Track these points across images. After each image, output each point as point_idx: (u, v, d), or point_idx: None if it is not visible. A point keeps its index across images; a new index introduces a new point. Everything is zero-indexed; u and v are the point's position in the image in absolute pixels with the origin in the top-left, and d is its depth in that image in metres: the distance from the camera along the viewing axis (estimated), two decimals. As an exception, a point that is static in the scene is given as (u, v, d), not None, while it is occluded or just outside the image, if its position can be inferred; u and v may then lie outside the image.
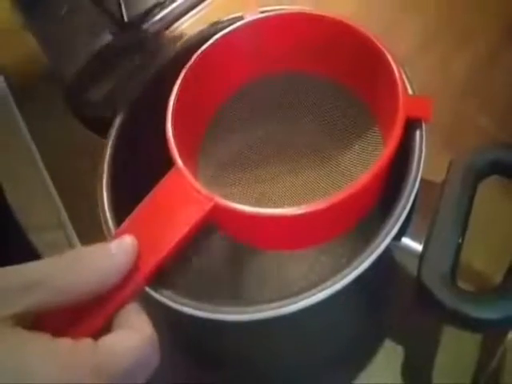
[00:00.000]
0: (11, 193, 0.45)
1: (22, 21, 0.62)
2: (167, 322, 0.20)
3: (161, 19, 0.56)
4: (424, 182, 0.26)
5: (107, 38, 0.54)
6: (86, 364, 0.17)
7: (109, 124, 0.31)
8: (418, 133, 0.27)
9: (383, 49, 0.28)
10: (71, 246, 0.40)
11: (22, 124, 0.50)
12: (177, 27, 0.57)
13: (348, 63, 0.31)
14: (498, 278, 0.25)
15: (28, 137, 0.49)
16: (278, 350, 0.31)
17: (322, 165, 0.31)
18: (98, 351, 0.18)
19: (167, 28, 0.56)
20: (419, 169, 0.25)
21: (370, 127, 0.30)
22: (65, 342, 0.18)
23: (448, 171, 0.27)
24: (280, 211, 0.24)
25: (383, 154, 0.24)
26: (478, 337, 0.31)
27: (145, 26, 0.55)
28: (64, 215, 0.43)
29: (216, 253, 0.33)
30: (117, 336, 0.19)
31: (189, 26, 0.57)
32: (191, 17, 0.58)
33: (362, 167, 0.29)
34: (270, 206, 0.29)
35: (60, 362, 0.17)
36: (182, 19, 0.57)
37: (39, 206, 0.45)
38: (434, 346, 0.31)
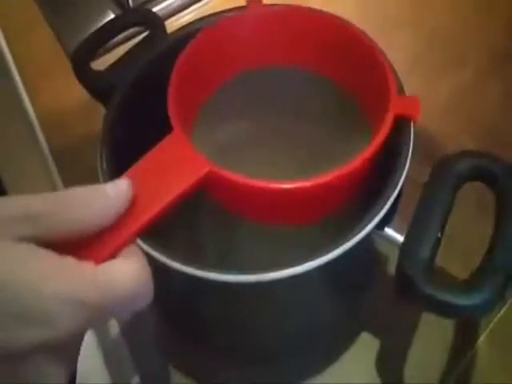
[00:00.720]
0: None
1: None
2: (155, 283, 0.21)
3: (165, 8, 0.57)
4: (408, 183, 0.27)
5: (111, 15, 0.56)
6: (90, 280, 0.18)
7: (112, 91, 0.32)
8: (406, 129, 0.28)
9: (375, 47, 0.30)
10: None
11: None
12: (180, 17, 0.57)
13: (342, 60, 0.32)
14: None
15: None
16: (257, 322, 0.31)
17: (312, 152, 0.33)
18: (100, 271, 0.18)
19: (170, 17, 0.57)
20: (406, 163, 0.27)
21: (360, 121, 0.32)
22: (71, 259, 0.18)
23: (432, 172, 0.28)
24: (267, 183, 0.25)
25: (373, 142, 0.26)
26: (448, 339, 0.32)
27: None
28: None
29: (206, 222, 0.34)
30: (115, 262, 0.20)
31: (191, 17, 0.57)
32: (195, 9, 0.58)
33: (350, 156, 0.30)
34: None
35: (67, 276, 0.17)
36: (185, 10, 0.58)
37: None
38: (409, 340, 0.32)
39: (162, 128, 0.26)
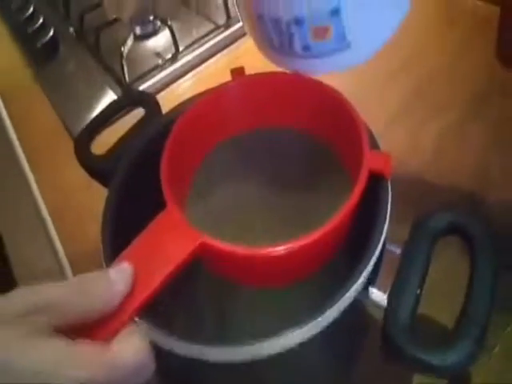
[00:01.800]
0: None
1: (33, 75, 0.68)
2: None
3: (159, 80, 0.62)
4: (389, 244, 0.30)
5: (110, 96, 0.60)
6: (97, 361, 0.20)
7: (112, 174, 0.35)
8: (382, 186, 0.31)
9: (352, 108, 0.32)
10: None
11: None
12: (174, 88, 0.62)
13: (323, 120, 0.35)
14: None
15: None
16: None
17: (297, 208, 0.35)
18: (105, 351, 0.21)
19: (165, 88, 0.62)
20: (384, 228, 0.29)
21: (341, 175, 0.34)
22: (80, 343, 0.20)
23: (410, 231, 0.30)
24: (253, 251, 0.27)
25: (346, 204, 0.28)
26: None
27: (145, 85, 0.60)
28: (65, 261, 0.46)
29: (202, 290, 0.36)
30: (118, 341, 0.22)
31: (185, 87, 0.62)
32: (187, 80, 0.63)
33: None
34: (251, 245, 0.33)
35: (77, 359, 0.20)
36: (178, 81, 0.63)
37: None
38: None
39: (160, 199, 0.28)
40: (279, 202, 0.36)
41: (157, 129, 0.37)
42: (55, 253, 0.48)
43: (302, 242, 0.27)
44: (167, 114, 0.38)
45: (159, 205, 0.28)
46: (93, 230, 0.45)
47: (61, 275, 0.45)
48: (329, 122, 0.35)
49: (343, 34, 0.30)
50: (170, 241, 0.27)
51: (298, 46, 0.31)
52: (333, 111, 0.34)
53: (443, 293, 0.35)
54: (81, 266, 0.45)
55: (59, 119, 0.61)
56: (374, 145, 0.32)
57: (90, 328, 0.22)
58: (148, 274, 0.25)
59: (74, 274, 0.45)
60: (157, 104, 0.39)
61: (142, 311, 0.25)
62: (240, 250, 0.27)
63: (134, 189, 0.34)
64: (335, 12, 0.28)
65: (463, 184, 0.45)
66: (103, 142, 0.39)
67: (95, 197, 0.46)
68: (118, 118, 0.45)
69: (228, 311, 0.36)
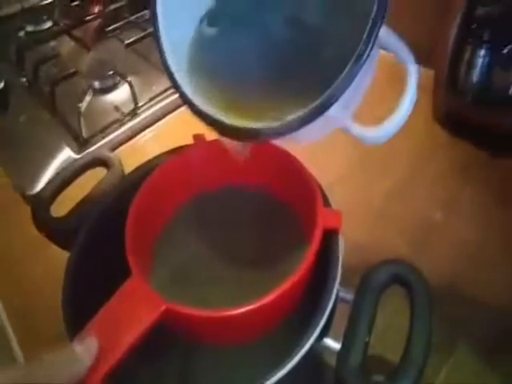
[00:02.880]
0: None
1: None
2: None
3: (118, 135, 0.63)
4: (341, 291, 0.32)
5: (66, 153, 0.59)
6: None
7: (71, 237, 0.35)
8: (335, 243, 0.33)
9: (307, 171, 0.35)
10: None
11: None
12: (134, 143, 0.63)
13: (281, 181, 0.38)
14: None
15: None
16: None
17: (257, 265, 0.37)
18: None
19: (124, 143, 0.63)
20: (335, 282, 0.31)
21: (297, 231, 0.37)
22: None
23: (359, 284, 0.33)
24: (214, 313, 0.28)
25: (303, 263, 0.30)
26: None
27: (103, 141, 0.61)
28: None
29: (164, 348, 0.37)
30: None
31: (144, 142, 0.63)
32: (146, 134, 0.64)
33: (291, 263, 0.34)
34: (214, 306, 0.34)
35: None
36: (138, 136, 0.64)
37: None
38: None
39: (122, 260, 0.29)
40: (239, 261, 0.38)
41: (119, 190, 0.38)
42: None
43: (261, 302, 0.28)
44: (129, 174, 0.40)
45: (122, 266, 0.29)
46: (45, 294, 0.44)
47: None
48: (286, 182, 0.38)
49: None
50: (136, 309, 0.28)
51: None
52: (289, 173, 0.37)
53: (391, 335, 0.37)
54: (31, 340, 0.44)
55: (7, 178, 0.59)
56: (326, 201, 0.35)
57: None
58: (114, 342, 0.26)
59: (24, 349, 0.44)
60: (120, 165, 0.40)
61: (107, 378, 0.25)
62: (202, 313, 0.28)
63: (95, 251, 0.35)
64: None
65: (407, 234, 0.49)
66: (60, 202, 0.39)
67: (47, 261, 0.47)
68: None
69: (190, 369, 0.36)
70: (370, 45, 0.25)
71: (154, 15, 0.30)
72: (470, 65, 0.49)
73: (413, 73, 0.29)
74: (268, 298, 0.29)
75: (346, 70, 0.25)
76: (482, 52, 0.48)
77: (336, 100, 0.26)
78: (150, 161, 0.40)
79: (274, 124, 0.28)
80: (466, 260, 0.45)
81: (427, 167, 0.55)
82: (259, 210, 0.40)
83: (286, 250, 0.37)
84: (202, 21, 0.33)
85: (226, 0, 0.33)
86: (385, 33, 0.26)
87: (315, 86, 0.28)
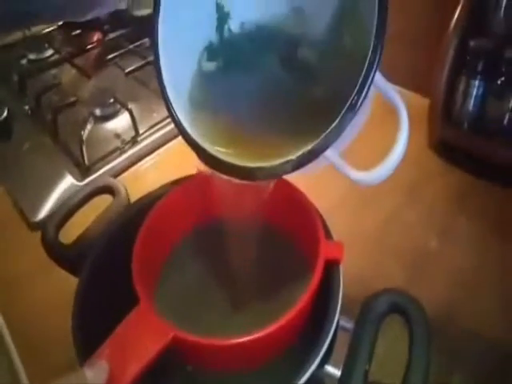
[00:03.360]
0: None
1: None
2: None
3: (120, 163, 0.63)
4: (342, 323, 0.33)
5: (68, 180, 0.60)
6: None
7: (79, 263, 0.36)
8: (335, 273, 0.34)
9: (309, 202, 0.37)
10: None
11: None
12: (135, 170, 0.64)
13: (283, 214, 0.39)
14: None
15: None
16: None
17: (261, 293, 0.38)
18: None
19: (126, 170, 0.64)
20: (336, 312, 0.32)
21: (298, 262, 0.38)
22: None
23: (358, 313, 0.34)
24: (222, 341, 0.29)
25: (306, 294, 0.31)
26: None
27: (105, 169, 0.62)
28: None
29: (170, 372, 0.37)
30: None
31: (145, 170, 0.64)
32: (148, 162, 0.65)
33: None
34: (216, 332, 0.34)
35: None
36: (139, 163, 0.65)
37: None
38: None
39: (129, 286, 0.30)
40: (241, 288, 0.39)
41: (125, 218, 0.39)
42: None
43: (265, 331, 0.29)
44: (134, 203, 0.41)
45: (128, 290, 0.30)
46: (51, 320, 0.45)
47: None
48: (287, 212, 0.39)
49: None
50: (143, 336, 0.29)
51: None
52: (291, 203, 0.38)
53: (389, 361, 0.37)
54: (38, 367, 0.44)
55: (11, 202, 0.60)
56: (326, 231, 0.36)
57: None
58: (122, 370, 0.27)
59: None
60: (126, 193, 0.41)
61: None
62: (208, 341, 0.29)
63: (103, 277, 0.36)
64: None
65: (404, 262, 0.49)
66: (66, 228, 0.40)
67: (52, 286, 0.47)
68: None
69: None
70: (363, 94, 0.25)
71: (155, 44, 0.31)
72: (465, 95, 0.51)
73: (404, 119, 0.30)
74: (272, 327, 0.30)
75: (339, 118, 0.26)
76: (477, 83, 0.50)
77: (327, 148, 0.27)
78: (154, 190, 0.41)
79: (266, 165, 0.29)
80: (461, 288, 0.46)
81: (423, 195, 0.56)
82: (261, 239, 0.41)
83: (288, 278, 0.39)
84: (201, 55, 0.34)
85: (226, 38, 0.34)
86: (378, 79, 0.27)
87: (309, 127, 0.29)
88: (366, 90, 0.25)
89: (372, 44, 0.25)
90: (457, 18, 0.52)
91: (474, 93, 0.50)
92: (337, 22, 0.31)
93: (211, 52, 0.34)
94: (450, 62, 0.52)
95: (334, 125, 0.26)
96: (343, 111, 0.26)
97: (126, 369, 0.27)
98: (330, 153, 0.28)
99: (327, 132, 0.26)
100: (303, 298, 0.31)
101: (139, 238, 0.35)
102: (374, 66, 0.25)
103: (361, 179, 0.30)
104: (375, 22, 0.25)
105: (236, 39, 0.34)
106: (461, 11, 0.52)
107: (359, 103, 0.25)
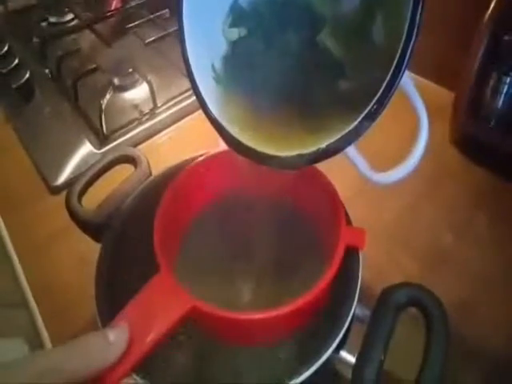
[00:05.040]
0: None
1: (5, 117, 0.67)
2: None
3: (137, 134, 0.63)
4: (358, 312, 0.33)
5: (87, 147, 0.61)
6: None
7: (102, 229, 0.36)
8: (355, 259, 0.34)
9: (331, 185, 0.36)
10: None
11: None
12: (152, 142, 0.64)
13: (305, 195, 0.39)
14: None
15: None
16: None
17: (278, 270, 0.38)
18: None
19: (143, 142, 0.63)
20: (355, 293, 0.33)
21: (316, 246, 0.38)
22: None
23: (376, 304, 0.34)
24: (241, 315, 0.29)
25: (324, 276, 0.31)
26: None
27: (123, 139, 0.62)
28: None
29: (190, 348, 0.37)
30: None
31: (163, 142, 0.64)
32: (165, 134, 0.65)
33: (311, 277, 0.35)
34: (234, 306, 0.35)
35: None
36: (156, 135, 0.64)
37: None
38: None
39: (151, 256, 0.30)
40: (259, 263, 0.39)
41: (147, 190, 0.39)
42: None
43: (287, 308, 0.29)
44: (156, 177, 0.41)
45: (150, 260, 0.30)
46: (70, 280, 0.45)
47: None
48: (309, 196, 0.38)
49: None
50: (163, 304, 0.29)
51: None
52: (314, 187, 0.38)
53: (402, 351, 0.38)
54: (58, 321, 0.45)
55: (31, 162, 0.60)
56: (348, 220, 0.36)
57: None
58: (143, 334, 0.27)
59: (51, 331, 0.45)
60: (147, 164, 0.40)
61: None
62: (227, 314, 0.29)
63: (125, 245, 0.36)
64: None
65: (418, 255, 0.49)
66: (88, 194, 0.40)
67: (74, 247, 0.48)
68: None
69: (208, 371, 0.37)
70: (384, 105, 0.24)
71: (179, 15, 0.31)
72: (495, 91, 0.50)
73: (424, 126, 0.30)
74: (292, 306, 0.29)
75: (356, 123, 0.25)
76: (508, 79, 0.49)
77: (342, 150, 0.27)
78: (178, 164, 0.41)
79: (281, 154, 0.29)
80: (476, 286, 0.46)
81: (442, 190, 0.55)
82: (281, 218, 0.41)
83: (306, 260, 0.39)
84: (226, 18, 0.33)
85: (252, 5, 0.33)
86: (404, 81, 0.25)
87: (328, 121, 0.29)
88: (389, 97, 0.24)
89: (405, 32, 0.23)
90: (491, 11, 0.51)
91: (505, 89, 0.49)
92: (371, 5, 0.29)
93: (236, 16, 0.33)
94: (482, 56, 0.51)
95: (350, 128, 0.25)
96: (361, 117, 0.25)
97: (146, 334, 0.27)
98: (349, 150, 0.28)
99: (343, 134, 0.26)
100: (322, 280, 0.31)
101: (161, 206, 0.34)
102: (406, 59, 0.23)
103: (378, 180, 0.32)
104: (410, 7, 0.23)
105: (261, 8, 0.33)
106: (496, 4, 0.51)
107: (379, 113, 0.24)
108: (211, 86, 0.32)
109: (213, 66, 0.33)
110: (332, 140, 0.26)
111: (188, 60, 0.31)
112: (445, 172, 0.57)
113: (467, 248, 0.49)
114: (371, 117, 0.24)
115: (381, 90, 0.24)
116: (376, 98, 0.24)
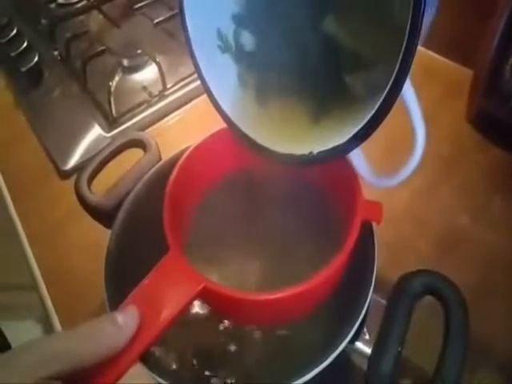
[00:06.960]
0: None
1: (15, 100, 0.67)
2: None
3: (146, 116, 0.63)
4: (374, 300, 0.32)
5: (96, 130, 0.60)
6: None
7: (112, 215, 0.35)
8: (371, 237, 0.34)
9: (350, 164, 0.34)
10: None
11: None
12: (162, 124, 0.63)
13: (320, 169, 0.37)
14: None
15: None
16: None
17: (292, 247, 0.37)
18: None
19: (152, 125, 0.62)
20: (372, 277, 0.32)
21: (331, 219, 0.37)
22: None
23: (392, 292, 0.33)
24: (252, 295, 0.29)
25: (342, 252, 0.30)
26: None
27: (132, 121, 0.61)
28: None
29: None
30: None
31: (172, 124, 0.63)
32: (175, 116, 0.64)
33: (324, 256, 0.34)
34: (246, 286, 0.34)
35: None
36: (166, 118, 0.63)
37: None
38: None
39: (161, 239, 0.29)
40: (272, 239, 0.38)
41: (157, 174, 0.38)
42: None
43: (300, 288, 0.28)
44: (166, 161, 0.40)
45: (160, 244, 0.29)
46: (80, 264, 0.45)
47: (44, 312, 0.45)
48: (325, 169, 0.37)
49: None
50: (174, 285, 0.28)
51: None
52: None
53: (418, 340, 0.37)
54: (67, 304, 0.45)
55: (41, 146, 0.60)
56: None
57: (98, 369, 0.23)
58: (153, 317, 0.26)
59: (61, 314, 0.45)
60: (157, 148, 0.40)
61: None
62: (239, 294, 0.28)
63: (135, 229, 0.35)
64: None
65: (432, 238, 0.48)
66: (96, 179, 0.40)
67: (84, 231, 0.47)
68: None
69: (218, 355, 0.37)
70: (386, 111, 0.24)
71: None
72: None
73: (420, 139, 0.30)
74: (306, 285, 0.28)
75: (359, 128, 0.25)
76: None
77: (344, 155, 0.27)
78: (187, 148, 0.40)
79: (285, 152, 0.29)
80: (493, 270, 0.45)
81: (457, 170, 0.54)
82: (295, 192, 0.39)
83: (321, 236, 0.37)
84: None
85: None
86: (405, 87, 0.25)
87: (334, 120, 0.29)
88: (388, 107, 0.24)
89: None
90: (512, -15, 0.49)
91: (526, 67, 0.48)
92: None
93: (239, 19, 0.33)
94: (502, 32, 0.49)
95: (354, 132, 0.26)
96: (363, 123, 0.25)
97: (157, 317, 0.26)
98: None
99: (346, 140, 0.26)
100: (338, 257, 0.29)
101: (170, 186, 0.33)
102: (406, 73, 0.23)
103: (379, 184, 0.32)
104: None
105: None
106: (517, -22, 0.48)
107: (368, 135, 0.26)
108: (215, 60, 0.31)
109: (219, 30, 0.31)
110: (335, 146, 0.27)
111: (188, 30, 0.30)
112: (460, 152, 0.55)
113: (483, 230, 0.48)
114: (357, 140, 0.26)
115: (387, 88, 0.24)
116: (372, 113, 0.25)
